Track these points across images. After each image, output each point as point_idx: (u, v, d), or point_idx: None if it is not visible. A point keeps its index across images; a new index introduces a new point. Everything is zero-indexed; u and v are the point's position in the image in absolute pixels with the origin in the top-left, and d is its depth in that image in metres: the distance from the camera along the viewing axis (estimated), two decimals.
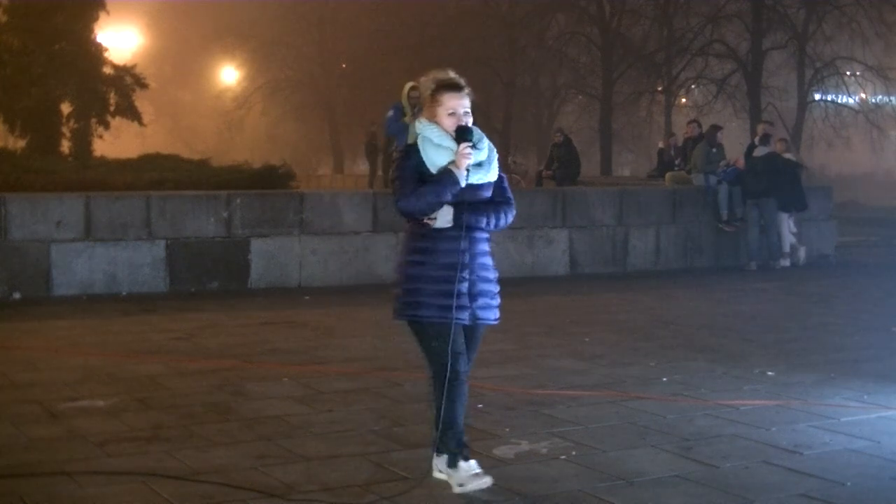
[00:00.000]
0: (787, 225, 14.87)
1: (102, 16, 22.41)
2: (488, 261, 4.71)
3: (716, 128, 16.05)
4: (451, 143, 4.57)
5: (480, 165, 4.61)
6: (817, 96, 33.44)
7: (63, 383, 6.74)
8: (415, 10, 37.17)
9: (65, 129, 21.80)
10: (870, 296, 11.72)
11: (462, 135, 4.58)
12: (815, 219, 15.65)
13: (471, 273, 4.61)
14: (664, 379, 7.08)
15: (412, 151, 4.63)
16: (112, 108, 22.20)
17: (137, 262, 11.15)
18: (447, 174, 4.53)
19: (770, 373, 7.29)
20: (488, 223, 4.64)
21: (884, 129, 32.61)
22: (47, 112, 21.03)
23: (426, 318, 4.61)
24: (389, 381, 6.90)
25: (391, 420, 5.90)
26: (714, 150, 15.36)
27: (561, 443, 5.41)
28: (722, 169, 15.03)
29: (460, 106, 4.63)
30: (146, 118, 24.03)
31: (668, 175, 17.30)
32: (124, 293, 11.00)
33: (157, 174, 14.31)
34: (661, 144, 21.25)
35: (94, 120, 21.99)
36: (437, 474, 4.72)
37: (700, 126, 17.88)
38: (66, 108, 21.86)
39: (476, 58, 35.08)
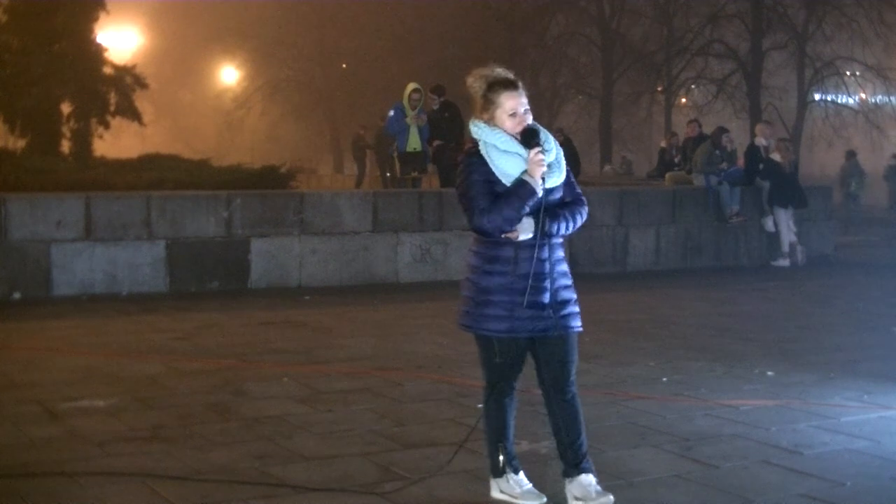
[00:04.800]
0: (787, 224, 14.88)
1: (102, 16, 22.35)
2: (565, 267, 4.45)
3: (722, 130, 16.06)
4: (519, 149, 4.26)
5: (550, 167, 4.31)
6: (817, 96, 33.46)
7: (63, 383, 6.74)
8: (415, 10, 37.17)
9: (65, 129, 21.74)
10: (870, 296, 11.71)
11: (530, 138, 4.27)
12: (815, 219, 15.66)
13: (552, 282, 4.35)
14: (664, 379, 7.08)
15: (477, 162, 4.31)
16: (112, 108, 22.13)
17: (137, 262, 11.14)
18: (523, 185, 4.23)
19: (770, 373, 7.29)
20: (567, 227, 4.36)
21: (884, 129, 32.61)
22: (47, 112, 20.97)
23: (497, 332, 4.33)
24: (389, 381, 6.89)
25: (391, 420, 5.90)
26: (718, 151, 15.36)
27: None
28: (723, 169, 15.05)
29: (520, 105, 4.33)
30: (146, 118, 23.96)
31: (668, 175, 17.32)
32: (124, 293, 11.00)
33: (157, 174, 14.28)
34: (663, 143, 21.28)
35: (94, 120, 21.94)
36: (498, 495, 4.53)
37: (700, 126, 17.90)
38: (66, 108, 21.80)
39: (476, 58, 35.06)
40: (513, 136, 4.29)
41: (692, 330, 9.28)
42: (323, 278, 11.97)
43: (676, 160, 18.14)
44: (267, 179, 14.29)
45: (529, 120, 4.33)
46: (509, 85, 4.35)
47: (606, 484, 4.75)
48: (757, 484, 4.81)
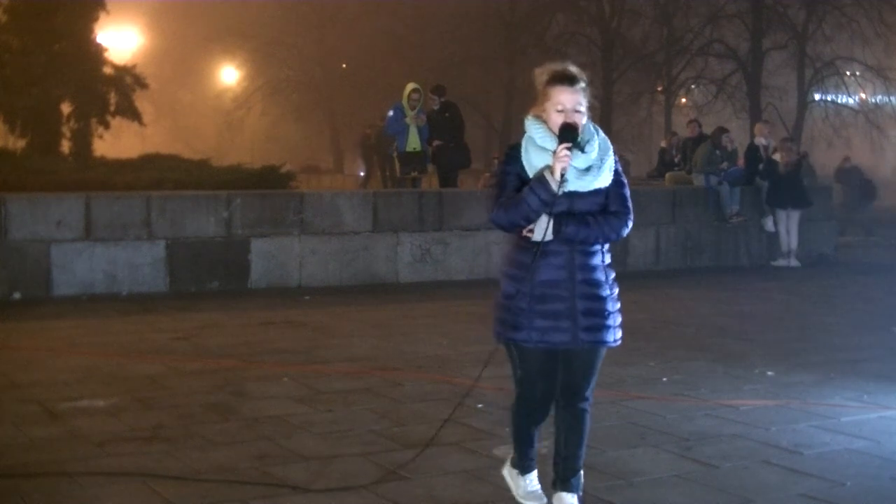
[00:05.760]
0: (786, 225, 14.87)
1: (102, 16, 22.36)
2: (598, 276, 4.16)
3: (722, 130, 16.07)
4: (554, 145, 4.04)
5: (588, 170, 4.08)
6: (817, 96, 33.49)
7: (63, 383, 6.74)
8: (415, 10, 37.19)
9: (65, 129, 21.74)
10: (870, 296, 11.72)
11: (565, 135, 4.01)
12: (815, 219, 15.66)
13: (574, 291, 4.11)
14: (664, 379, 7.08)
15: (514, 154, 4.16)
16: (112, 108, 22.15)
17: (137, 262, 11.14)
18: (538, 180, 4.02)
19: (770, 373, 7.29)
20: (591, 236, 4.10)
21: (884, 129, 32.64)
22: (47, 112, 20.98)
23: (521, 341, 4.14)
24: (389, 381, 6.89)
25: (391, 420, 5.90)
26: (718, 152, 15.37)
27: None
28: (723, 169, 15.06)
29: (571, 101, 4.05)
30: (146, 118, 23.96)
31: (668, 175, 17.33)
32: (124, 293, 11.00)
33: (157, 174, 14.26)
34: (663, 143, 21.28)
35: (94, 120, 21.95)
36: (505, 473, 4.51)
37: (700, 126, 17.92)
38: (66, 108, 21.81)
39: (476, 58, 35.11)
40: (553, 132, 4.08)
41: (692, 330, 9.28)
42: (323, 278, 11.97)
43: (676, 160, 18.14)
44: (267, 179, 14.27)
45: (581, 120, 4.09)
46: (564, 80, 4.09)
47: (606, 484, 4.76)
48: (757, 484, 4.81)
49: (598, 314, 4.16)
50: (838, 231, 17.29)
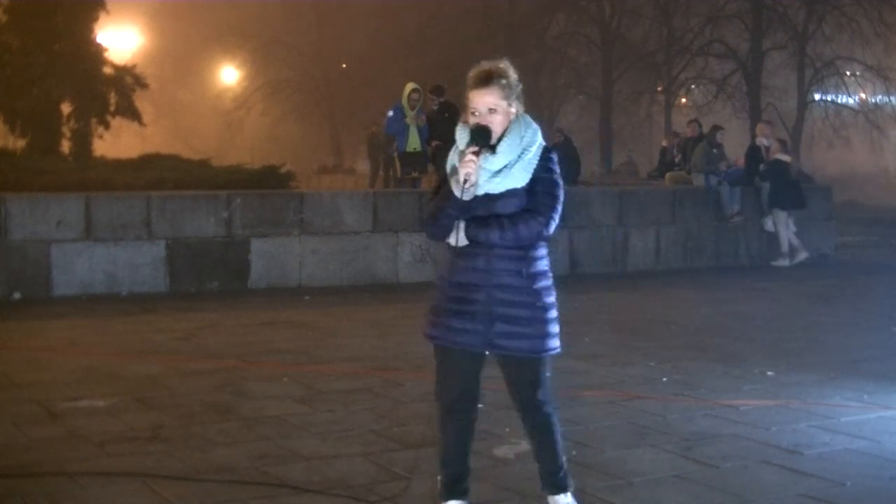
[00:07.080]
0: (786, 224, 14.88)
1: (102, 16, 22.37)
2: (516, 282, 3.96)
3: (717, 128, 16.11)
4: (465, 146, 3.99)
5: (500, 171, 3.93)
6: (817, 96, 33.47)
7: (63, 383, 6.74)
8: (415, 10, 37.19)
9: (65, 129, 21.76)
10: (870, 296, 11.72)
11: (475, 137, 3.93)
12: (815, 219, 15.66)
13: (489, 295, 3.96)
14: (664, 379, 7.08)
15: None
16: (112, 108, 22.16)
17: (137, 262, 11.14)
18: (448, 188, 3.96)
19: (770, 373, 7.29)
20: (501, 238, 3.91)
21: (884, 129, 32.62)
22: (47, 112, 20.99)
23: (433, 339, 4.13)
24: (389, 381, 6.90)
25: (391, 420, 5.90)
26: (715, 150, 15.40)
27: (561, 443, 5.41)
28: (723, 170, 15.06)
29: (483, 103, 3.96)
30: (146, 118, 23.98)
31: (668, 175, 17.33)
32: (124, 293, 11.00)
33: (157, 174, 14.27)
34: (664, 143, 21.27)
35: (94, 120, 21.96)
36: None
37: (700, 126, 17.93)
38: (66, 108, 21.82)
39: (476, 58, 34.98)
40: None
41: (692, 330, 9.28)
42: (323, 278, 11.97)
43: (677, 160, 18.15)
44: (267, 179, 14.27)
45: (496, 119, 3.96)
46: (478, 83, 4.01)
47: (606, 484, 4.76)
48: (757, 484, 4.81)
49: (516, 321, 3.99)
50: (838, 231, 17.27)
